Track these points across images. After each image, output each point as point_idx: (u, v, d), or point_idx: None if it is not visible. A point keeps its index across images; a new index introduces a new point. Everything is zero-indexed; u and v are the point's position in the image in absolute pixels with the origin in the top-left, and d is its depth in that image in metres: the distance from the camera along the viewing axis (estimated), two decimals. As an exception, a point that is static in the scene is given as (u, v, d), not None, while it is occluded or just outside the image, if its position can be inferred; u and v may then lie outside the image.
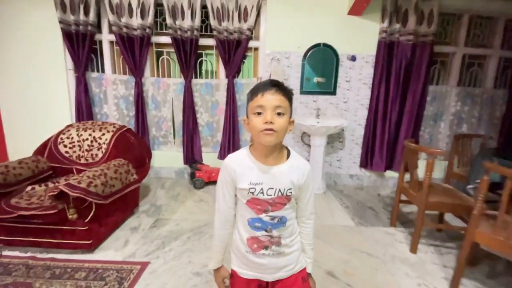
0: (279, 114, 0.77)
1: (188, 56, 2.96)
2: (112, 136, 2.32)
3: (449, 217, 2.35)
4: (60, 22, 2.86)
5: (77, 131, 2.36)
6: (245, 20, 2.88)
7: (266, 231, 0.85)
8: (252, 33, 2.97)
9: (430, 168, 1.86)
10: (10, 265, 1.65)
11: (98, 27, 3.01)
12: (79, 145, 2.31)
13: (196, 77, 3.16)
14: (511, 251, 1.42)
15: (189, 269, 1.70)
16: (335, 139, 3.25)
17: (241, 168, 0.84)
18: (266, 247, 0.87)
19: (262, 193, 0.83)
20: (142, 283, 1.56)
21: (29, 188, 1.95)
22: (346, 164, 3.33)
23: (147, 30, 2.91)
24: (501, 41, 3.11)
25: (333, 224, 2.34)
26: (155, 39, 3.06)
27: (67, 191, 1.59)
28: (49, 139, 2.36)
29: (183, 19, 2.88)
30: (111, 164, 2.00)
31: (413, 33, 2.87)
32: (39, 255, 1.76)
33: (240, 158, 0.87)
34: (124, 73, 3.17)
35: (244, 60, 3.10)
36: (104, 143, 2.30)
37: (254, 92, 0.80)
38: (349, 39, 3.00)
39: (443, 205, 1.94)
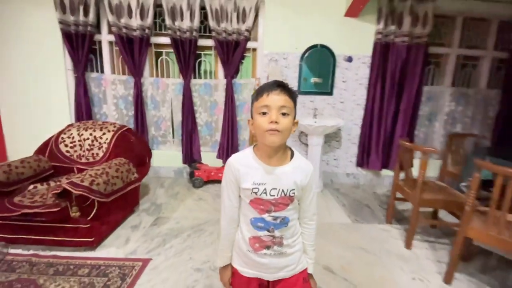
0: (283, 114, 0.78)
1: (187, 56, 2.99)
2: (113, 135, 2.35)
3: (443, 214, 2.40)
4: (59, 22, 2.88)
5: (77, 130, 2.38)
6: (244, 21, 2.92)
7: (268, 231, 0.86)
8: (250, 34, 3.00)
9: (424, 166, 1.92)
10: (14, 262, 1.68)
11: (97, 27, 3.04)
12: (80, 145, 2.33)
13: (195, 77, 3.19)
14: (502, 246, 1.48)
15: (189, 265, 1.74)
16: (332, 138, 3.30)
17: (245, 168, 0.85)
18: (268, 247, 0.87)
19: (265, 193, 0.83)
20: (144, 279, 1.60)
21: (31, 186, 1.98)
22: (343, 163, 3.38)
23: (147, 30, 2.93)
24: (494, 42, 3.18)
25: (330, 222, 2.39)
26: (154, 39, 3.09)
27: (70, 189, 1.62)
28: (50, 139, 2.38)
29: (182, 20, 2.91)
30: (113, 163, 2.03)
31: (408, 35, 2.93)
32: (41, 253, 1.78)
33: (244, 158, 0.87)
34: (123, 73, 3.19)
35: (242, 61, 3.14)
36: (104, 142, 2.32)
37: (260, 92, 0.80)
38: (345, 40, 3.05)
39: (436, 202, 1.99)
